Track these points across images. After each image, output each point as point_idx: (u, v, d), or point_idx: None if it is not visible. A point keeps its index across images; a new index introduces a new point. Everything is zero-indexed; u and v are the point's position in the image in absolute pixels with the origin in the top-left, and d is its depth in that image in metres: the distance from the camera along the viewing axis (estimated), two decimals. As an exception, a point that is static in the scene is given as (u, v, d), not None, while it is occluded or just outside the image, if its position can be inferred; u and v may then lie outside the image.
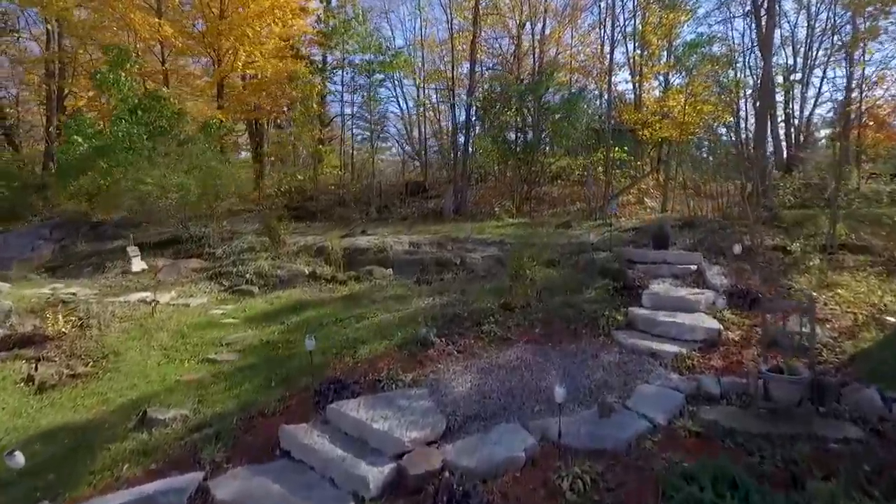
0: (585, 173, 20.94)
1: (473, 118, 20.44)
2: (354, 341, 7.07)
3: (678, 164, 20.89)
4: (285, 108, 20.79)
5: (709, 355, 6.62)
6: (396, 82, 30.94)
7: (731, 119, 24.35)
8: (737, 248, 9.38)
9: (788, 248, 10.20)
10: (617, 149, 20.19)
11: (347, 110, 24.32)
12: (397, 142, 34.04)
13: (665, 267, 9.51)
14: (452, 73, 21.13)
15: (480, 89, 22.58)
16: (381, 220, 19.09)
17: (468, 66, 21.32)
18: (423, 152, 25.75)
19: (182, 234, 11.94)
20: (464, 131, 20.32)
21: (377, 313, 8.04)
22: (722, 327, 7.09)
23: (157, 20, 16.98)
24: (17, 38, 23.37)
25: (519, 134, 21.81)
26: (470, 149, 21.06)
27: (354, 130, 24.51)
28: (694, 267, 9.38)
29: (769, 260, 9.82)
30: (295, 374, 6.37)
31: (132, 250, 10.39)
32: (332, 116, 25.43)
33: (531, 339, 7.36)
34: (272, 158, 23.50)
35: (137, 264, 10.09)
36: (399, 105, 29.30)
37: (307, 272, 10.18)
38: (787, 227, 12.04)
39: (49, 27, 20.42)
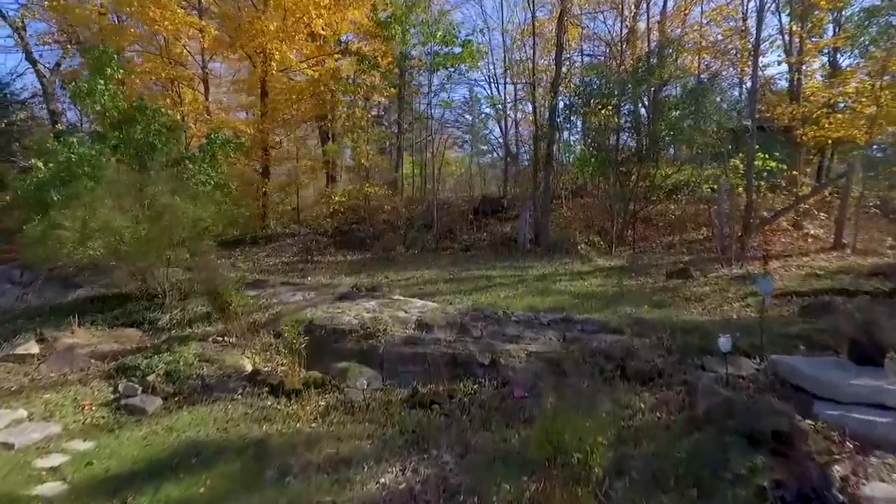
0: (716, 189, 15.40)
1: (560, 119, 15.83)
2: None
3: (865, 175, 14.62)
4: (329, 117, 17.74)
5: None
6: (491, 78, 26.99)
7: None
8: None
9: None
10: (764, 155, 14.47)
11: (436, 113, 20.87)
12: (493, 148, 30.09)
13: (886, 421, 4.61)
14: (533, 63, 16.66)
15: (573, 82, 17.92)
16: (437, 251, 15.28)
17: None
18: (506, 161, 21.52)
19: (133, 290, 9.09)
20: (547, 137, 15.79)
21: (278, 509, 4.19)
22: None
23: (181, 12, 14.73)
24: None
25: (628, 136, 16.85)
26: (556, 159, 16.60)
27: (424, 135, 20.92)
28: (959, 431, 4.40)
29: None
30: None
31: None
32: (405, 120, 22.12)
33: None
34: (337, 171, 20.68)
35: None
36: (496, 105, 25.31)
37: (248, 370, 6.68)
38: None
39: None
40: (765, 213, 15.53)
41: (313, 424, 5.60)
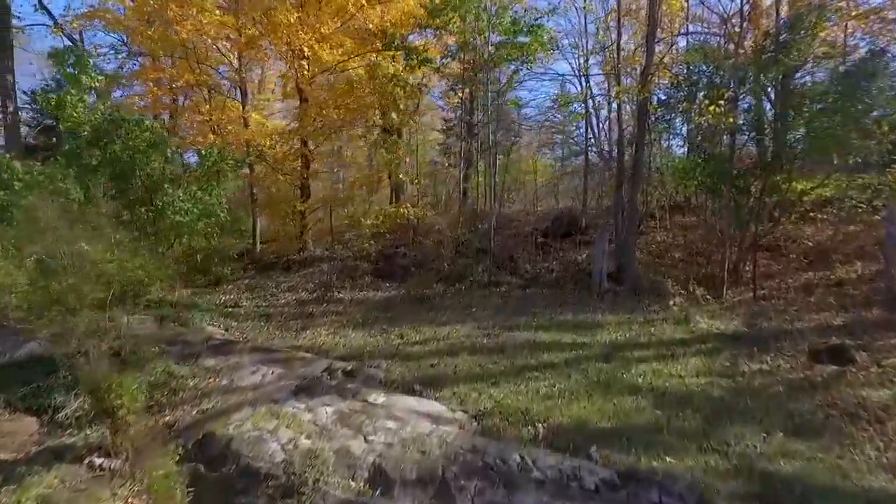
0: (883, 207, 11.09)
1: (653, 118, 12.20)
2: None
3: None
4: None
5: None
6: (580, 70, 23.24)
7: None
8: None
9: None
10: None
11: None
12: (582, 151, 26.26)
13: None
14: (617, 48, 13.06)
15: (673, 71, 14.08)
16: (488, 287, 12.32)
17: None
18: (586, 168, 17.96)
19: (61, 356, 7.15)
20: (633, 144, 12.24)
21: None
22: None
23: (217, 12, 13.07)
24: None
25: (748, 139, 12.81)
26: (650, 168, 12.95)
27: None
28: None
29: None
30: None
31: None
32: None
33: None
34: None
35: None
36: (577, 102, 21.60)
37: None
38: None
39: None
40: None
41: None
